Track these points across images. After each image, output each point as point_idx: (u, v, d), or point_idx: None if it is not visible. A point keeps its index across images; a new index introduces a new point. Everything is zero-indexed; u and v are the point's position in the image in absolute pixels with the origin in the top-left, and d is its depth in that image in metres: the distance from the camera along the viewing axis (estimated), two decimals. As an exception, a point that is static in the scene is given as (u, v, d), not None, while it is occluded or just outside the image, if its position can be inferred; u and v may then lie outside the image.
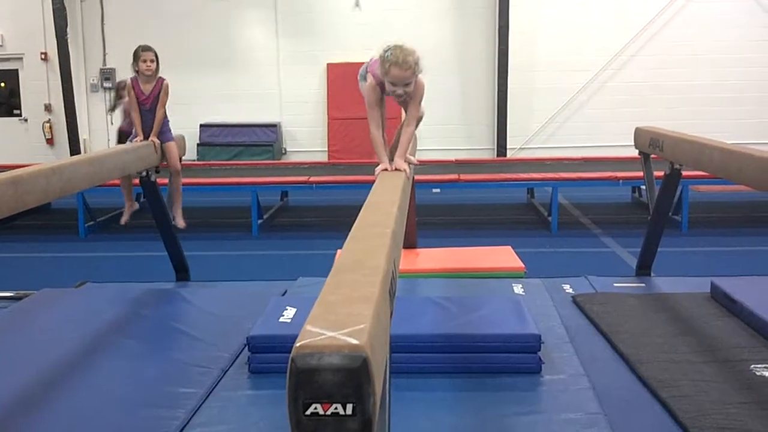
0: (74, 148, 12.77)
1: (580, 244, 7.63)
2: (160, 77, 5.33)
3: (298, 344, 1.15)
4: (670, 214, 8.15)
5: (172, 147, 5.45)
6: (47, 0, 12.35)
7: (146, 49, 5.27)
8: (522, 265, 5.11)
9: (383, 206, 2.32)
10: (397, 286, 1.86)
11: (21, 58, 13.18)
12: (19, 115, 13.44)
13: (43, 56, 13.00)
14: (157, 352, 3.96)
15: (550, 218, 8.27)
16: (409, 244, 5.56)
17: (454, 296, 4.11)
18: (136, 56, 5.29)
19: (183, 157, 5.75)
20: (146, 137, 5.22)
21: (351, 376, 1.12)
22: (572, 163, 9.70)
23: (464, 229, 8.42)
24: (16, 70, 13.30)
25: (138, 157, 4.94)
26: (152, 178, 5.16)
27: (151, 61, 5.24)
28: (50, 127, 13.27)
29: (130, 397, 3.30)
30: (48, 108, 13.21)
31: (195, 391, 3.30)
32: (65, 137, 12.90)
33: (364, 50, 12.19)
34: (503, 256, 5.31)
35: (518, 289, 4.67)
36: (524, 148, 12.88)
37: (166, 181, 5.79)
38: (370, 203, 2.38)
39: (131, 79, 5.36)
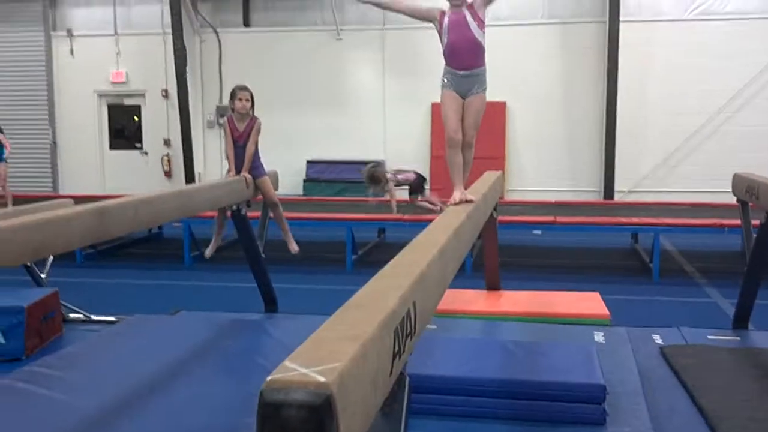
0: (190, 180, 13.34)
1: (681, 293, 7.32)
2: (254, 116, 5.52)
3: (269, 378, 1.17)
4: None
5: (266, 181, 5.61)
6: (169, 40, 13.06)
7: (242, 88, 5.48)
8: (606, 312, 4.95)
9: (424, 246, 2.32)
10: (418, 327, 1.85)
11: (143, 95, 13.98)
12: (141, 148, 14.21)
13: (163, 93, 13.74)
14: (231, 382, 4.05)
15: (651, 265, 7.98)
16: (492, 285, 5.51)
17: (524, 341, 4.03)
18: (233, 95, 5.50)
19: (282, 191, 5.92)
20: (238, 173, 5.41)
21: (313, 413, 1.13)
22: (679, 209, 9.34)
23: (561, 273, 8.24)
24: (139, 106, 14.10)
25: (229, 192, 5.12)
26: (243, 212, 5.34)
27: (246, 100, 5.43)
28: (168, 161, 13.95)
29: (196, 424, 3.39)
30: (167, 142, 13.91)
31: (258, 422, 3.35)
32: (182, 170, 13.51)
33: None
34: (588, 303, 5.17)
35: (599, 337, 4.53)
36: (633, 191, 12.52)
37: (257, 214, 5.97)
38: (413, 243, 2.38)
39: (227, 116, 5.58)
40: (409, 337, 1.75)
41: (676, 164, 12.48)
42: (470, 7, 3.45)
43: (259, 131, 5.48)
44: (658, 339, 4.79)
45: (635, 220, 8.51)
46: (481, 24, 3.43)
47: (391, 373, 1.56)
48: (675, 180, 12.45)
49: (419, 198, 8.61)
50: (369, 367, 1.38)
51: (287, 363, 1.24)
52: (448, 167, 3.58)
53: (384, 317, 1.53)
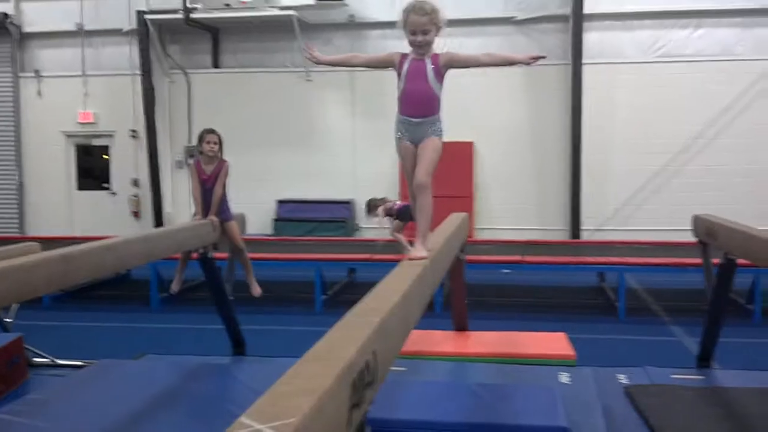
0: (158, 221, 13.29)
1: (647, 332, 7.41)
2: (222, 159, 5.55)
3: (224, 435, 1.20)
4: (746, 303, 7.93)
5: (233, 225, 5.63)
6: (138, 81, 13.11)
7: (210, 132, 5.51)
8: (572, 353, 5.01)
9: (386, 293, 2.35)
10: (378, 376, 1.88)
11: (112, 136, 13.95)
12: (108, 188, 14.14)
13: (132, 133, 13.72)
14: (198, 429, 4.02)
15: (617, 304, 8.07)
16: (460, 326, 5.54)
17: (489, 383, 4.06)
18: (201, 138, 5.54)
19: (252, 231, 5.94)
20: (206, 216, 5.42)
21: (269, 470, 1.15)
22: (645, 247, 9.48)
23: (529, 312, 8.31)
24: (107, 147, 14.07)
25: (195, 235, 5.12)
26: (210, 255, 5.34)
27: (214, 143, 5.46)
28: (137, 201, 13.89)
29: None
30: (135, 182, 13.87)
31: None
32: (150, 210, 13.46)
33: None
34: (554, 343, 5.22)
35: (564, 378, 4.57)
36: (600, 230, 12.69)
37: (225, 255, 5.98)
38: (376, 289, 2.41)
39: (195, 159, 5.61)
40: (369, 386, 1.77)
41: (641, 203, 12.68)
42: (435, 58, 3.30)
43: (227, 174, 5.50)
44: (623, 379, 4.84)
45: (601, 259, 8.62)
46: (440, 78, 3.31)
47: (349, 424, 1.58)
48: (640, 218, 12.64)
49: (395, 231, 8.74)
50: (326, 420, 1.40)
51: (243, 419, 1.26)
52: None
53: (340, 369, 1.56)
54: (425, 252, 3.17)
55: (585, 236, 12.48)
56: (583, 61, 12.28)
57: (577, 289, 9.63)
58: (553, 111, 12.78)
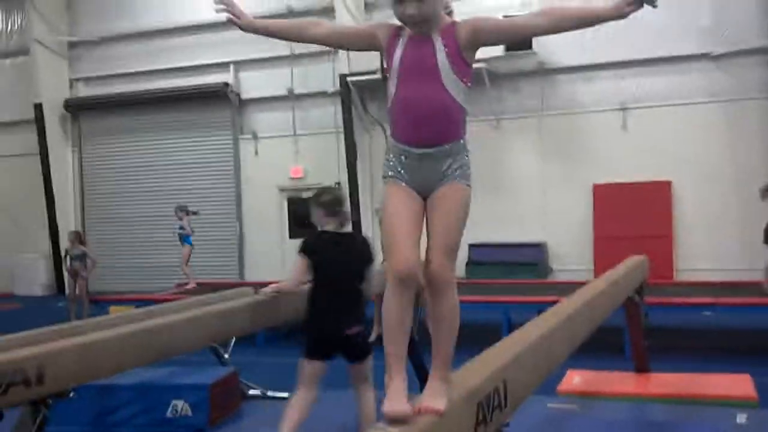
0: (359, 265, 14.13)
1: None
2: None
3: None
4: None
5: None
6: (341, 138, 14.26)
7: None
8: (753, 394, 4.95)
9: (527, 330, 2.69)
10: (510, 402, 2.22)
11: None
12: (314, 237, 15.27)
13: (336, 185, 14.76)
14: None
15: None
16: (640, 367, 5.63)
17: (658, 421, 4.17)
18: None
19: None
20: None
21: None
22: None
23: (720, 355, 8.06)
24: (315, 198, 15.25)
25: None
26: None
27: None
28: (338, 248, 14.87)
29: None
30: (336, 231, 14.87)
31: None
32: (352, 256, 14.35)
33: (631, 171, 12.32)
34: (735, 385, 5.18)
35: (742, 419, 4.56)
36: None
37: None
38: (519, 329, 2.75)
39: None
40: (498, 409, 2.12)
41: None
42: (448, 32, 2.00)
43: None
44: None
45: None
46: (465, 70, 2.00)
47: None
48: None
49: None
50: (449, 428, 1.78)
51: (379, 424, 1.67)
52: (383, 326, 2.03)
53: (466, 392, 1.93)
54: (444, 400, 1.87)
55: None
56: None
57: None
58: (755, 148, 12.25)
